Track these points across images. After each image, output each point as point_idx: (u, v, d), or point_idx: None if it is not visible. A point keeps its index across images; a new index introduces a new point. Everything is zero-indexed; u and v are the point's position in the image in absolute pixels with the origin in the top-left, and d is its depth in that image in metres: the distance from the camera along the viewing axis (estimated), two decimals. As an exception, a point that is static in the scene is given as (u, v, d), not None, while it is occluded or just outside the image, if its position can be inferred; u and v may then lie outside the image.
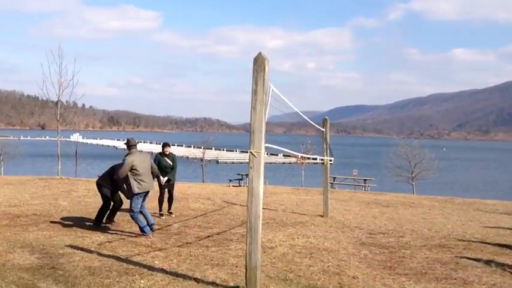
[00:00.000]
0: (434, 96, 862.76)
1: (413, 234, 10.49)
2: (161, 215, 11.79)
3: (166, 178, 11.79)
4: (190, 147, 74.17)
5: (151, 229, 9.20)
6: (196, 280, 6.16)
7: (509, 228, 12.00)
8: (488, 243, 9.73)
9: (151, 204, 11.99)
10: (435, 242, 9.64)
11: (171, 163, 11.95)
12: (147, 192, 9.30)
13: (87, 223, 10.19)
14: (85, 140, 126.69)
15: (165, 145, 12.13)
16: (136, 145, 9.44)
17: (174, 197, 12.41)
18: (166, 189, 11.98)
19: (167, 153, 12.01)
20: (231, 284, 6.10)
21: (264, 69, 5.55)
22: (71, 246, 7.90)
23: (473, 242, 9.87)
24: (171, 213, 12.08)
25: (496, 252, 8.85)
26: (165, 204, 11.99)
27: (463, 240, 9.97)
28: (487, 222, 12.90)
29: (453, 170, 71.99)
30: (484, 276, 7.07)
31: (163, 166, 11.77)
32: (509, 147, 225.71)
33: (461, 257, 8.29)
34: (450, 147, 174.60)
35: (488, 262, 7.93)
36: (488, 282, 6.73)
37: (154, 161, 11.61)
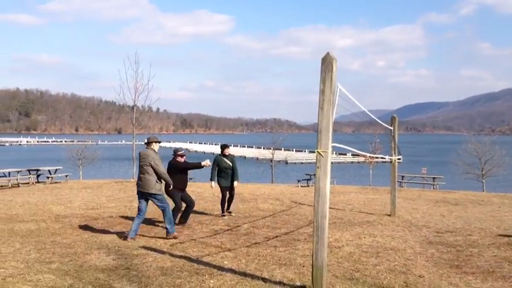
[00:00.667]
0: (506, 91, 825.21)
1: (482, 232, 10.32)
2: (223, 215, 12.16)
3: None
4: (260, 148, 74.77)
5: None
6: (264, 280, 6.31)
7: None
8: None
9: (204, 205, 12.19)
10: (504, 240, 9.46)
11: (230, 164, 12.24)
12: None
13: (160, 225, 10.60)
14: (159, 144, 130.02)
15: (224, 146, 12.42)
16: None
17: (234, 197, 12.72)
18: (227, 191, 12.28)
19: (227, 154, 12.32)
20: (298, 283, 6.21)
21: (332, 69, 5.58)
22: (144, 248, 8.23)
23: (546, 240, 9.61)
24: (230, 212, 12.48)
25: None
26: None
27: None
28: None
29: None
30: (554, 274, 6.94)
31: (223, 167, 12.10)
32: None
33: (531, 256, 8.14)
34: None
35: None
36: (557, 281, 6.60)
37: (214, 162, 12.01)
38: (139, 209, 9.30)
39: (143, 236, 9.41)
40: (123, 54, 29.55)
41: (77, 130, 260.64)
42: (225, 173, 12.14)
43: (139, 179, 9.22)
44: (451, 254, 8.21)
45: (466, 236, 9.87)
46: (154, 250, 8.06)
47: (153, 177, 9.10)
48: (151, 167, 9.08)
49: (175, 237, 9.12)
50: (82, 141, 54.07)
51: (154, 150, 9.37)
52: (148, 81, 25.24)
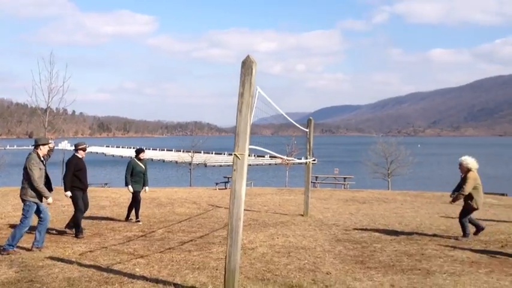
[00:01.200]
0: (412, 95, 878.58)
1: (385, 228, 10.99)
2: (130, 219, 12.04)
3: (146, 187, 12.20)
4: (180, 151, 74.06)
5: None
6: (176, 285, 6.30)
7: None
8: (452, 234, 10.30)
9: (118, 211, 12.04)
10: (404, 235, 10.15)
11: (144, 168, 12.16)
12: None
13: (70, 233, 10.19)
14: (73, 148, 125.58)
15: (140, 150, 12.31)
16: None
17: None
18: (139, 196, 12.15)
19: (142, 158, 12.21)
20: (210, 287, 6.27)
21: (251, 72, 5.64)
22: (51, 258, 7.86)
23: (438, 233, 10.44)
24: (139, 221, 12.02)
25: (458, 242, 9.44)
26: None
27: (429, 232, 10.54)
28: (452, 214, 13.41)
29: (427, 165, 73.11)
30: (445, 265, 7.55)
31: (138, 171, 11.98)
32: (478, 142, 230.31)
33: (427, 248, 8.81)
34: (425, 144, 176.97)
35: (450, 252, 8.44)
36: (448, 271, 7.19)
37: (129, 166, 11.89)
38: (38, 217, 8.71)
39: (50, 245, 8.98)
40: (39, 55, 28.29)
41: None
42: (139, 177, 12.01)
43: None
44: (356, 251, 8.65)
45: (371, 233, 10.45)
46: (62, 260, 7.73)
47: (26, 183, 8.48)
48: (27, 172, 8.43)
49: (8, 253, 8.26)
50: (-13, 147, 50.99)
51: (38, 154, 8.61)
52: (63, 82, 24.41)
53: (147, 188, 12.35)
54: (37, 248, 8.56)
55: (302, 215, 13.14)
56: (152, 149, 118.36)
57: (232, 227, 5.75)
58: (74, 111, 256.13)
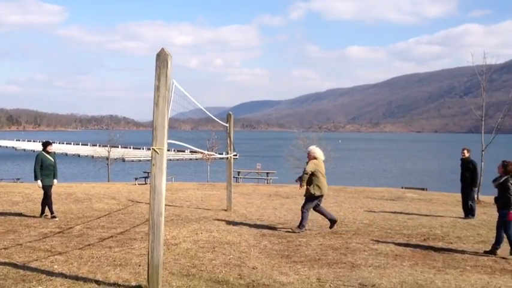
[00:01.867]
0: (331, 92, 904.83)
1: (310, 222, 11.05)
2: (45, 216, 11.54)
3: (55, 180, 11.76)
4: (96, 145, 71.90)
5: None
6: (98, 282, 6.10)
7: (392, 213, 13.11)
8: (375, 228, 10.62)
9: (32, 207, 11.54)
10: (328, 230, 10.31)
11: (53, 161, 11.75)
12: None
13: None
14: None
15: (47, 143, 11.92)
16: None
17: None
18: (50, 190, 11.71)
19: (50, 151, 11.80)
20: (133, 283, 6.11)
21: (167, 66, 5.58)
22: None
23: (362, 227, 10.72)
24: (54, 216, 11.61)
25: (382, 236, 9.74)
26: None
27: (353, 226, 10.80)
28: (374, 208, 13.93)
29: (347, 160, 75.61)
30: (370, 258, 7.74)
31: (48, 165, 11.55)
32: (396, 138, 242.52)
33: (351, 242, 9.00)
34: (345, 139, 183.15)
35: (374, 245, 8.68)
36: (373, 264, 7.38)
37: (37, 160, 11.44)
38: None
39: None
40: None
41: None
42: (49, 170, 11.55)
43: None
44: (282, 245, 8.70)
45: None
46: (-27, 259, 7.32)
47: None
48: None
49: None
50: None
51: None
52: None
53: (55, 180, 11.86)
54: None
55: (225, 210, 13.11)
56: (66, 143, 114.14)
57: (154, 222, 5.68)
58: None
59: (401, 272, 6.97)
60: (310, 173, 10.09)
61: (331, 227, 10.31)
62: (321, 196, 10.29)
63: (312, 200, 10.22)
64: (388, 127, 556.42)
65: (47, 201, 11.56)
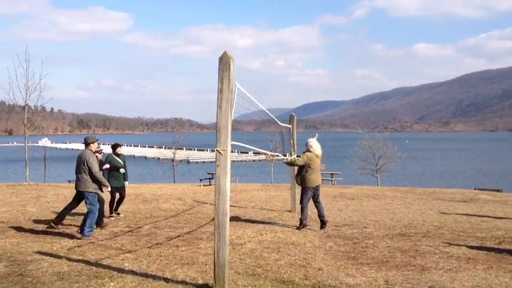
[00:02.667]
0: (397, 91, 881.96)
1: (376, 224, 10.89)
2: (111, 216, 11.88)
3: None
4: (162, 148, 73.85)
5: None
6: (166, 280, 6.21)
7: (464, 215, 12.58)
8: (446, 230, 10.20)
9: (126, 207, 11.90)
10: (396, 231, 10.05)
11: (122, 163, 12.06)
12: None
13: (58, 228, 10.03)
14: (54, 145, 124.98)
15: (116, 145, 12.23)
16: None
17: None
18: (118, 192, 12.07)
19: (119, 153, 12.14)
20: (200, 281, 6.18)
21: (229, 68, 5.62)
22: (40, 253, 7.82)
23: (432, 229, 10.34)
24: (118, 213, 12.20)
25: (453, 238, 9.32)
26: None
27: (422, 229, 10.42)
28: (445, 210, 13.43)
29: (416, 161, 73.57)
30: (441, 261, 7.45)
31: (117, 167, 11.85)
32: (467, 137, 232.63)
33: (420, 245, 8.70)
34: (413, 139, 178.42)
35: (445, 248, 8.37)
36: (444, 267, 7.09)
37: (106, 161, 11.72)
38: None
39: (38, 240, 8.90)
40: (13, 52, 28.01)
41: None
42: (118, 172, 11.87)
43: (76, 178, 9.43)
44: (348, 247, 8.56)
45: (361, 229, 10.35)
46: (50, 255, 7.67)
47: (87, 177, 9.25)
48: (87, 167, 9.24)
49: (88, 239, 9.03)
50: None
51: (91, 150, 9.52)
52: (40, 79, 23.94)
53: (126, 182, 12.28)
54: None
55: (290, 211, 13.06)
56: (134, 146, 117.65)
57: (219, 223, 5.73)
58: (52, 109, 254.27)
59: (475, 275, 6.67)
60: (301, 164, 10.28)
61: (321, 227, 10.27)
62: (315, 189, 10.31)
63: (306, 192, 10.28)
64: (459, 126, 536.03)
65: (112, 201, 11.97)
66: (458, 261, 7.52)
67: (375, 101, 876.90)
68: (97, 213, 9.45)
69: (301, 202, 10.36)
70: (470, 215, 12.75)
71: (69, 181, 30.02)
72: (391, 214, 12.76)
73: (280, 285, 6.09)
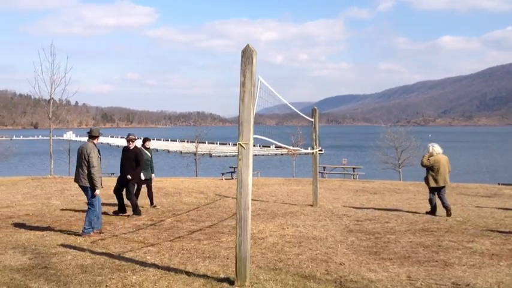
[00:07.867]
0: (420, 84, 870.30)
1: (398, 219, 10.79)
2: (154, 206, 12.40)
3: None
4: (184, 141, 74.23)
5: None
6: (188, 273, 6.26)
7: (488, 210, 12.41)
8: (469, 226, 10.06)
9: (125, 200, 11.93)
10: (419, 227, 9.95)
11: (150, 156, 12.37)
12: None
13: (80, 221, 10.16)
14: (78, 138, 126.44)
15: (146, 139, 12.52)
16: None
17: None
18: (145, 184, 12.31)
19: (148, 146, 12.43)
20: (222, 275, 6.21)
21: (252, 62, 5.62)
22: (63, 245, 7.94)
23: (455, 224, 10.20)
24: (155, 206, 12.60)
25: (476, 234, 9.19)
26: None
27: (445, 224, 10.29)
28: (468, 205, 13.26)
29: (440, 155, 72.38)
30: (464, 257, 7.36)
31: (145, 159, 12.01)
32: (491, 131, 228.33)
33: (443, 240, 8.60)
34: (436, 133, 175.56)
35: (468, 244, 8.25)
36: (468, 263, 7.00)
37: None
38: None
39: (62, 233, 9.07)
40: (39, 46, 28.31)
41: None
42: (146, 165, 12.06)
43: (76, 171, 9.07)
44: (370, 241, 8.50)
45: (383, 224, 10.27)
46: (74, 248, 7.79)
47: (87, 170, 8.86)
48: (87, 160, 8.85)
49: (89, 236, 8.76)
50: (-5, 136, 51.59)
51: (94, 143, 9.14)
52: (65, 73, 24.28)
53: (153, 175, 12.61)
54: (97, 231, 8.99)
55: (311, 205, 13.01)
56: (156, 139, 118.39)
57: (241, 216, 5.74)
58: (76, 102, 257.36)
59: (498, 271, 6.57)
60: None
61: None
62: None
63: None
64: (483, 120, 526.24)
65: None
66: (481, 257, 7.41)
67: (398, 95, 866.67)
68: (96, 209, 8.99)
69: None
70: (494, 210, 12.56)
71: None
72: (413, 209, 12.64)
73: (302, 280, 6.08)
